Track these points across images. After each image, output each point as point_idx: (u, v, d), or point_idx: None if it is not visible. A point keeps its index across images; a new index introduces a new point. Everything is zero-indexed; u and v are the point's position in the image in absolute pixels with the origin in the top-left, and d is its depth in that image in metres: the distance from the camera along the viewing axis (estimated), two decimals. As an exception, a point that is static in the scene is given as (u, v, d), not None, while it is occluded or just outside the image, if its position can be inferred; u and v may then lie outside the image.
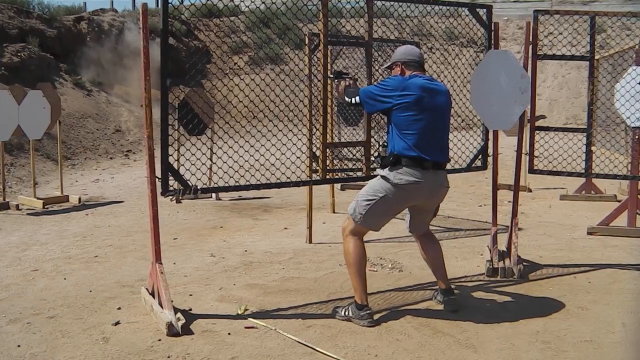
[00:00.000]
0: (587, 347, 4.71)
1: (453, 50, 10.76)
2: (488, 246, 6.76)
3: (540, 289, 5.98)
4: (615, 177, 7.33)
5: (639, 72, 7.40)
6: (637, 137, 7.90)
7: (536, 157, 7.02)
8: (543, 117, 19.95)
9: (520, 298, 5.74)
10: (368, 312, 5.09)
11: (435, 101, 5.12)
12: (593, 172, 7.86)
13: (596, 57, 10.08)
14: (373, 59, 6.21)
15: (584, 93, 20.70)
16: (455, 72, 6.92)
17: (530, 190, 11.62)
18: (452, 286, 5.66)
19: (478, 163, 6.80)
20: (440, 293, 5.53)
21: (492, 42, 6.70)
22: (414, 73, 5.24)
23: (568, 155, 7.37)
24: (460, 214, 9.51)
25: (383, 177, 5.11)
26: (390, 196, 5.07)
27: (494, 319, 5.20)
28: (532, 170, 7.00)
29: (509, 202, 10.20)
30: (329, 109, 8.52)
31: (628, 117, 7.43)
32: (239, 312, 5.32)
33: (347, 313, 5.17)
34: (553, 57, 7.40)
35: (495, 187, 6.77)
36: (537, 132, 7.06)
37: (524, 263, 6.65)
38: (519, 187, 6.83)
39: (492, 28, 6.72)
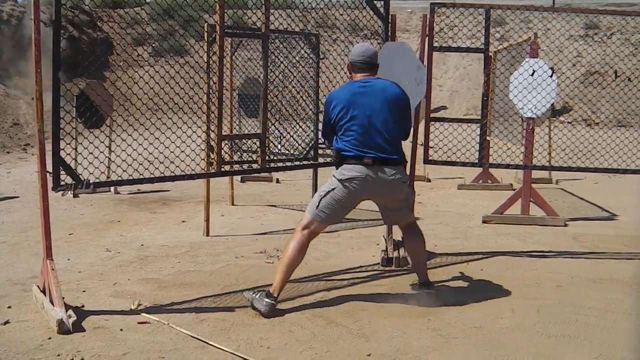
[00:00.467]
0: (477, 333, 4.82)
1: (357, 41, 10.83)
2: (384, 236, 6.83)
3: (434, 277, 6.06)
4: (507, 166, 7.50)
5: (531, 64, 7.58)
6: (530, 127, 8.10)
7: (431, 147, 7.13)
8: (444, 107, 20.37)
9: (413, 287, 5.82)
10: (272, 302, 5.18)
11: (367, 102, 5.29)
12: (489, 162, 8.03)
13: (493, 50, 10.31)
14: (272, 51, 6.20)
15: (484, 84, 21.23)
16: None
17: (429, 180, 11.83)
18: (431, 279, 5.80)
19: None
20: (418, 285, 5.71)
21: (389, 34, 6.77)
22: (355, 78, 5.46)
23: (462, 146, 7.52)
24: (360, 205, 9.56)
25: (334, 175, 5.39)
26: (339, 191, 5.32)
27: (386, 308, 5.27)
28: (427, 161, 7.12)
29: (409, 192, 10.42)
30: (228, 101, 8.50)
31: (521, 108, 7.61)
32: (133, 308, 5.24)
33: (255, 295, 5.26)
34: (449, 49, 7.55)
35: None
36: (433, 123, 7.17)
37: (419, 252, 6.76)
38: (414, 178, 6.92)
39: (390, 20, 6.79)
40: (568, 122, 19.81)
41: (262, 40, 6.10)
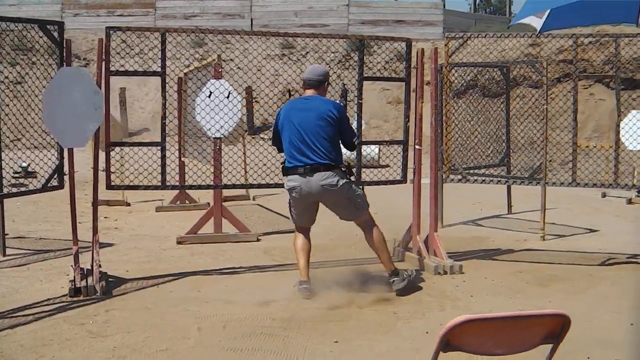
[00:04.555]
0: (163, 355, 4.87)
1: (57, 63, 10.43)
2: (72, 266, 6.65)
3: (123, 304, 6.03)
4: (190, 187, 7.63)
5: (217, 87, 7.73)
6: (217, 147, 8.24)
7: (114, 172, 7.07)
8: (147, 129, 20.25)
9: (101, 315, 5.73)
10: (305, 286, 6.27)
11: (300, 117, 6.28)
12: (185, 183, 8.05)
13: (182, 72, 10.43)
14: None
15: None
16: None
17: (128, 204, 11.62)
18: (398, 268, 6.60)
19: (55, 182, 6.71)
20: (387, 276, 6.50)
21: (65, 59, 6.63)
22: (304, 94, 6.51)
23: (153, 170, 7.48)
24: (53, 234, 9.25)
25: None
26: (291, 200, 6.46)
27: (72, 341, 5.14)
28: (109, 187, 7.02)
29: (106, 217, 10.24)
30: None
31: (209, 129, 7.75)
32: None
33: (296, 287, 6.32)
34: (126, 72, 7.46)
35: (74, 205, 6.62)
36: (122, 147, 7.12)
37: (110, 279, 6.66)
38: (97, 203, 6.75)
39: (65, 45, 6.65)
40: (268, 139, 20.44)
41: None
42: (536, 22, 5.86)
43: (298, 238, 6.55)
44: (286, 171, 6.36)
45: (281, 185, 8.00)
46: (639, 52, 10.66)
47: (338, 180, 6.26)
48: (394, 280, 6.40)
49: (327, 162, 6.23)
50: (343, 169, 6.40)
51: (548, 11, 5.42)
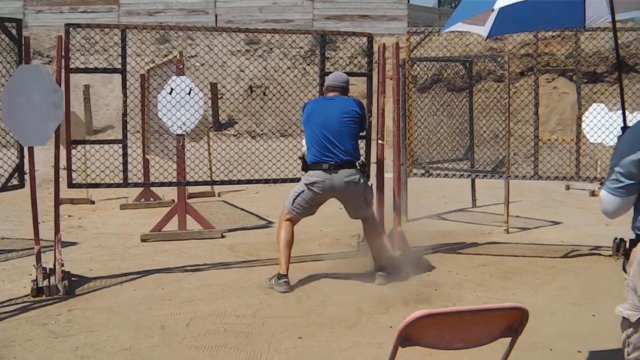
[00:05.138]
0: (126, 354, 4.85)
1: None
2: (34, 265, 6.57)
3: (86, 303, 5.99)
4: (153, 184, 7.57)
5: (178, 83, 7.72)
6: (180, 144, 8.20)
7: (76, 170, 7.00)
8: (111, 127, 20.11)
9: (64, 315, 5.69)
10: (285, 280, 6.35)
11: (324, 115, 6.48)
12: (150, 180, 7.98)
13: (147, 69, 10.36)
14: None
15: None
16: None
17: (93, 202, 11.51)
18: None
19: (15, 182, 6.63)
20: (375, 269, 6.75)
21: (24, 56, 6.55)
22: (326, 95, 6.74)
23: (115, 167, 7.44)
24: (16, 234, 9.14)
25: (302, 178, 6.59)
26: (306, 193, 6.49)
27: (34, 341, 5.10)
28: (71, 185, 6.95)
29: (70, 216, 10.15)
30: None
31: (171, 126, 7.73)
32: None
33: (271, 281, 6.42)
34: (86, 70, 7.41)
35: (35, 204, 6.53)
36: (84, 145, 7.05)
37: (73, 278, 6.59)
38: (58, 202, 6.68)
39: (23, 42, 6.57)
40: (233, 135, 20.37)
41: None
42: (479, 29, 5.83)
43: (286, 229, 6.59)
44: (308, 167, 6.52)
45: (244, 182, 8.00)
46: (599, 45, 10.77)
47: (359, 178, 6.52)
48: (380, 274, 6.64)
49: (350, 159, 6.48)
50: (358, 167, 6.58)
51: (494, 18, 5.38)
